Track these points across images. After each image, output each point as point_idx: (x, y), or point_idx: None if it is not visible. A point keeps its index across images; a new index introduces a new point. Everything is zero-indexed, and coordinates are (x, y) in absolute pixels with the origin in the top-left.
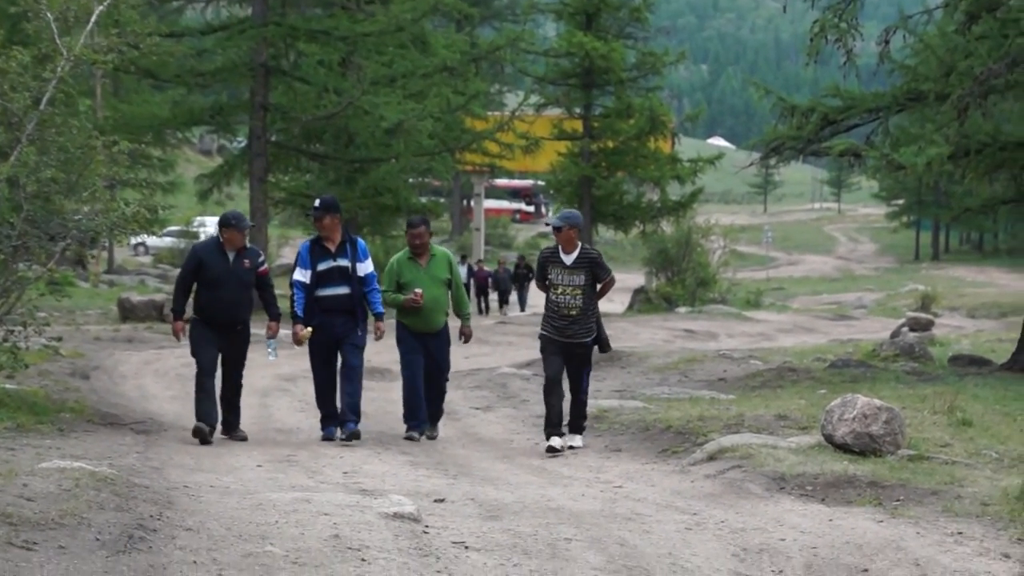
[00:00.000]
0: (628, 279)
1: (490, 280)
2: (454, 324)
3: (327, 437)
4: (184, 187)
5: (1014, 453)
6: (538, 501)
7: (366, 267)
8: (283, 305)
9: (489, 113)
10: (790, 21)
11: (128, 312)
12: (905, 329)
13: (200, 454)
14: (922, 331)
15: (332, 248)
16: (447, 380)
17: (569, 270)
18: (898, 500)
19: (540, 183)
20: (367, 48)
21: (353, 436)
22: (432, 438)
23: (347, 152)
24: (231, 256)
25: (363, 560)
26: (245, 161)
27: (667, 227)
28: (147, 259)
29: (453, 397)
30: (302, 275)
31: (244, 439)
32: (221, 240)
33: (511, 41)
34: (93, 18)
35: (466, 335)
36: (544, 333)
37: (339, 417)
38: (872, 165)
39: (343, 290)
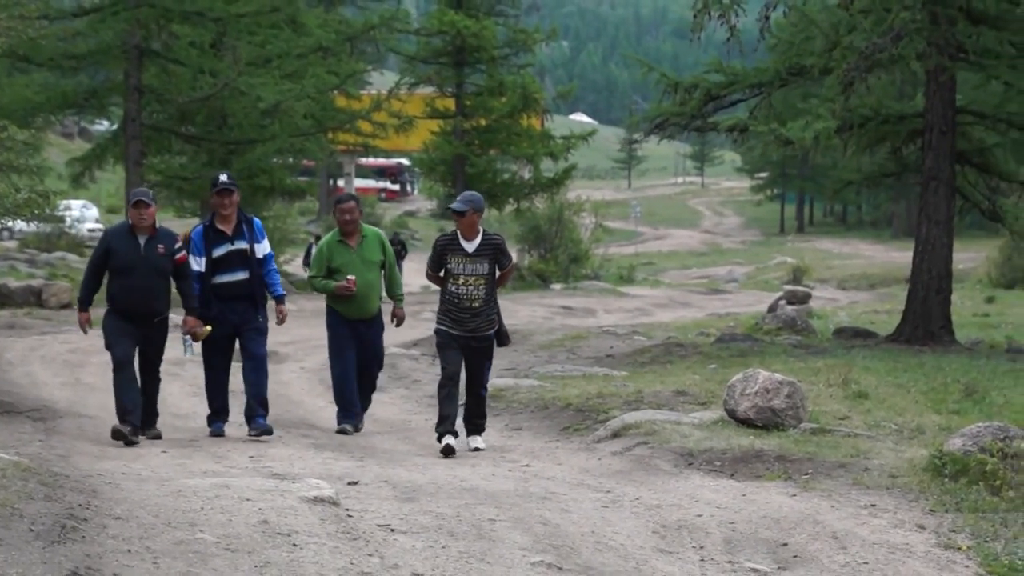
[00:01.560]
0: None
1: None
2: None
3: (215, 433)
4: (49, 170)
5: (912, 424)
6: (451, 482)
7: (264, 248)
8: None
9: (362, 92)
10: None
11: (5, 298)
12: (783, 302)
13: (102, 441)
14: (800, 304)
15: (228, 231)
16: (380, 369)
17: (471, 258)
18: (807, 474)
19: (405, 162)
20: (239, 29)
21: (264, 432)
22: (357, 430)
23: (221, 133)
24: (142, 241)
25: (295, 545)
26: (118, 144)
27: (540, 204)
28: (12, 244)
29: None
30: (196, 263)
31: (158, 437)
32: (130, 223)
33: (386, 20)
34: None
35: (399, 318)
36: (441, 328)
37: (245, 412)
38: (760, 140)
39: (241, 275)
